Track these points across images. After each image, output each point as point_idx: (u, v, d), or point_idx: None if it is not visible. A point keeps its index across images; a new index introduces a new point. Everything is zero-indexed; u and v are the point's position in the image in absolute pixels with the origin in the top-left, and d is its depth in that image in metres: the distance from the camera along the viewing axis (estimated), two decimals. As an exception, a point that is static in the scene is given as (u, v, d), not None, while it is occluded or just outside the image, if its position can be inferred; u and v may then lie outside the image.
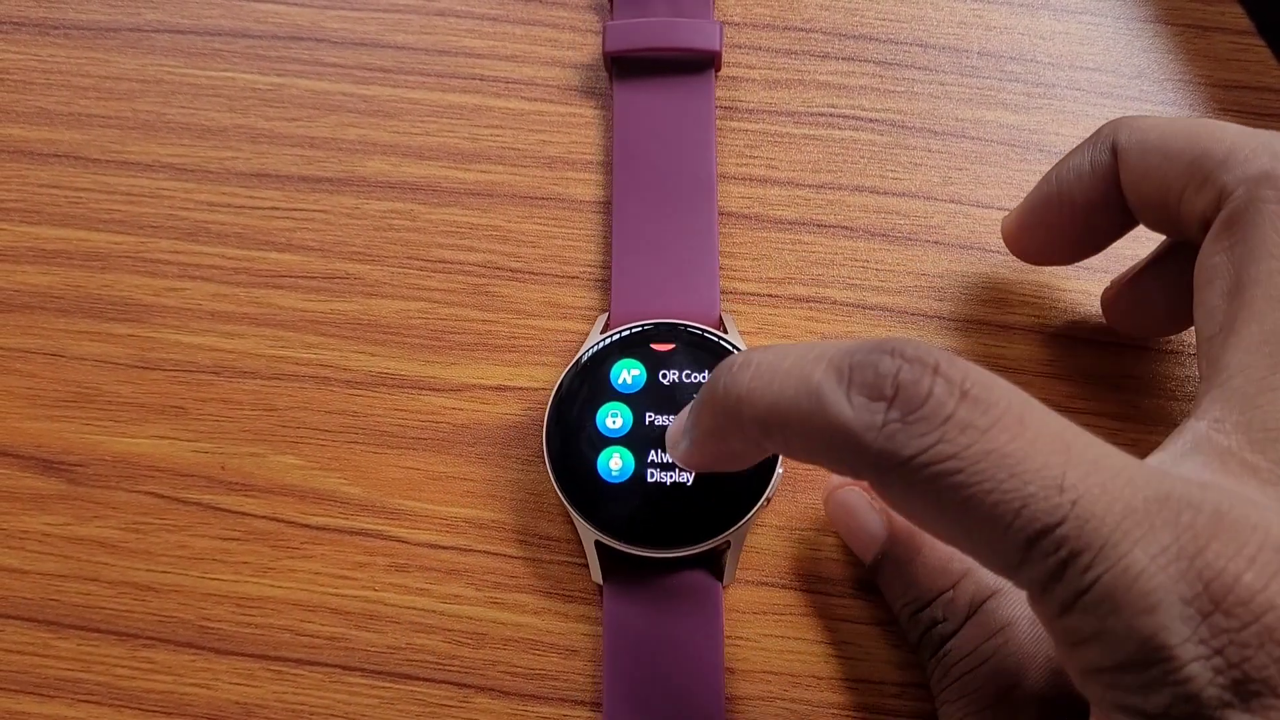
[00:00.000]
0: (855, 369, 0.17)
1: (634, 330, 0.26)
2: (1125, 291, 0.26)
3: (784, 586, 0.26)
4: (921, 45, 0.31)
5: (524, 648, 0.25)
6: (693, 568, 0.25)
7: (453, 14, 0.32)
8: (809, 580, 0.26)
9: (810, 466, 0.27)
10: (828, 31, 0.31)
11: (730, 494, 0.25)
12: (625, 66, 0.30)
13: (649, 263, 0.28)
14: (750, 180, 0.30)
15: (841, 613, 0.25)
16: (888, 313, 0.28)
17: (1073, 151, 0.24)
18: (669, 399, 0.25)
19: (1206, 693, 0.15)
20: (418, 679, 0.25)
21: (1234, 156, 0.21)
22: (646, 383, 0.26)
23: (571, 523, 0.26)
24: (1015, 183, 0.29)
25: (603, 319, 0.27)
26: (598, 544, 0.25)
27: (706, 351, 0.26)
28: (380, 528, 0.26)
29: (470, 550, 0.26)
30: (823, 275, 0.29)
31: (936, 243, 0.29)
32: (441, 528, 0.26)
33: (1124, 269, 0.27)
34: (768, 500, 0.25)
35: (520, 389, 0.28)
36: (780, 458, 0.25)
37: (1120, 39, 0.31)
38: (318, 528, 0.26)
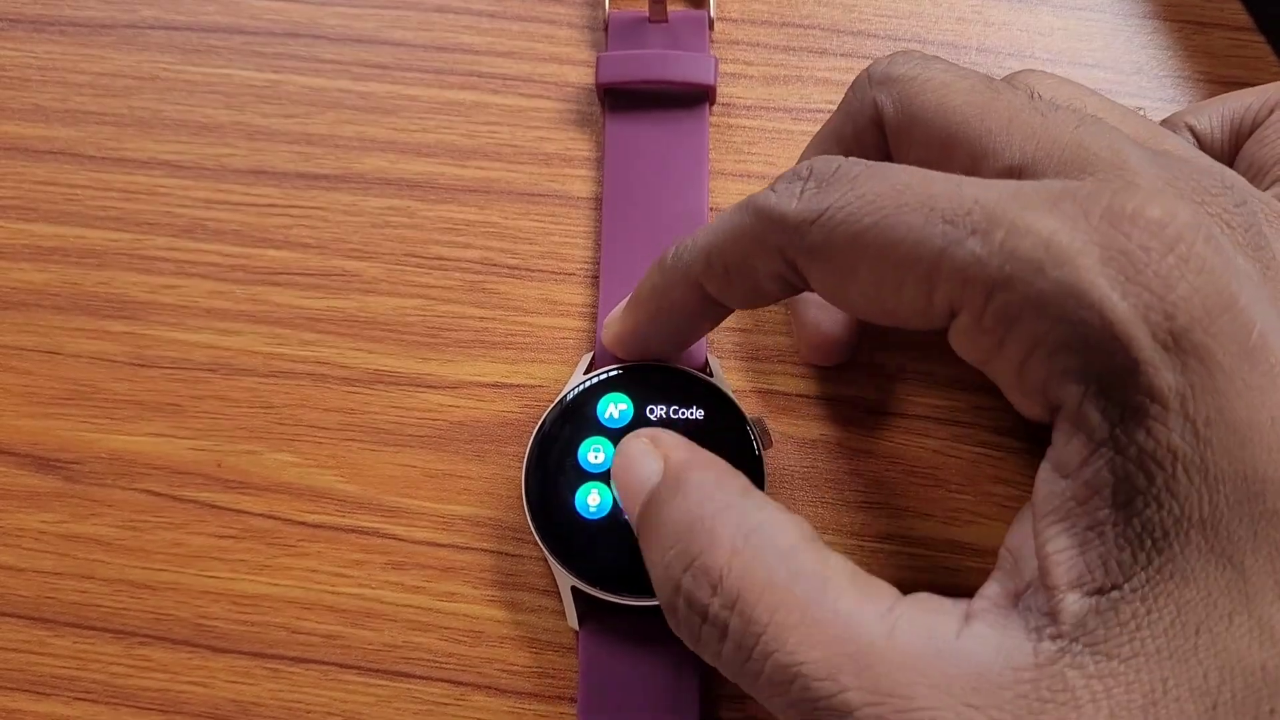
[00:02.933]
0: (779, 179, 0.20)
1: (618, 371, 0.26)
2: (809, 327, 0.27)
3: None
4: (920, 41, 0.31)
5: (521, 645, 0.25)
6: None
7: (450, 10, 0.32)
8: (807, 578, 0.26)
9: (801, 475, 0.26)
10: (826, 28, 0.31)
11: None
12: (618, 98, 0.30)
13: None
14: (748, 177, 0.30)
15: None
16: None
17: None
18: None
19: (1137, 333, 0.16)
20: (414, 677, 0.25)
21: (850, 105, 0.24)
22: (633, 419, 0.25)
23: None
24: (1014, 179, 0.29)
25: (587, 358, 0.27)
26: (574, 589, 0.24)
27: (691, 394, 0.25)
28: (377, 525, 0.26)
29: (467, 548, 0.26)
30: (821, 272, 0.29)
31: (935, 239, 0.29)
32: (438, 525, 0.26)
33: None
34: None
35: (517, 386, 0.28)
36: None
37: (1119, 35, 0.31)
38: (314, 525, 0.26)
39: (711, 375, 0.26)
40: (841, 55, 0.31)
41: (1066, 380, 0.17)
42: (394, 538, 0.26)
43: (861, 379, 0.27)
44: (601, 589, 0.24)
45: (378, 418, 0.27)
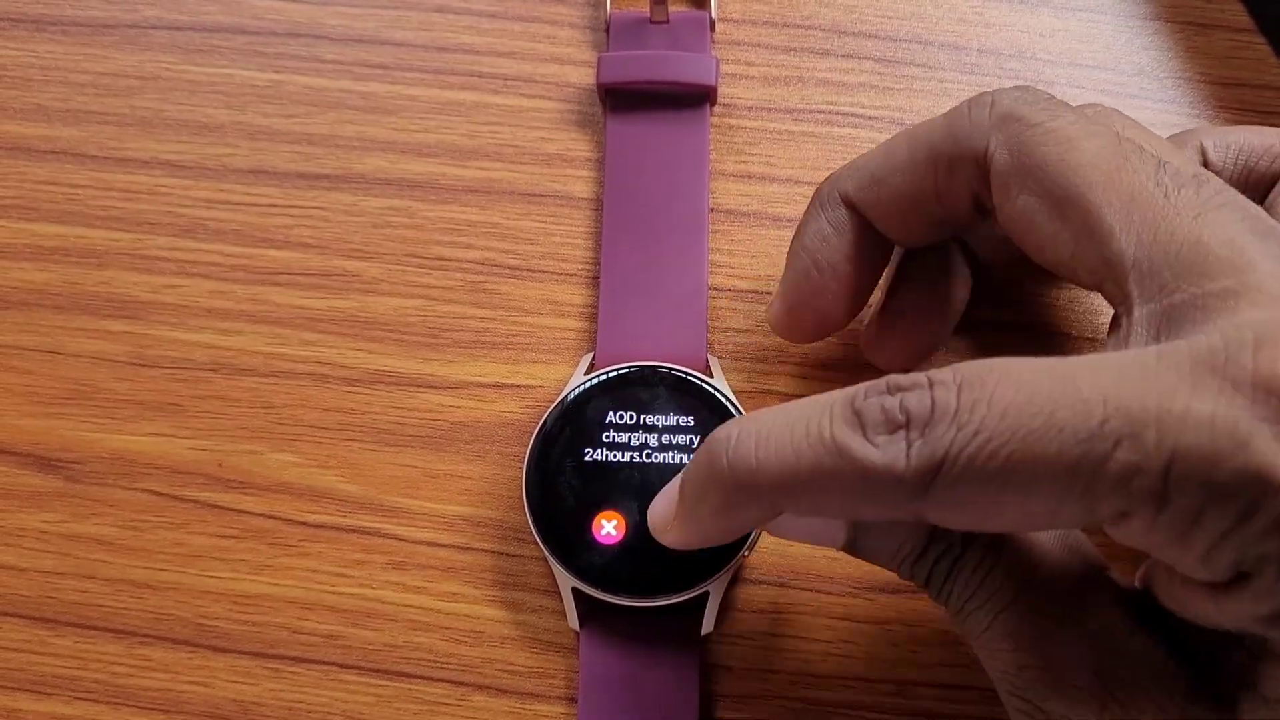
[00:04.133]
0: (864, 414, 0.18)
1: (619, 373, 0.26)
2: (882, 326, 0.26)
3: (784, 586, 0.26)
4: (921, 42, 0.31)
5: (522, 645, 0.25)
6: (671, 616, 0.24)
7: (451, 10, 0.32)
8: (809, 580, 0.26)
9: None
10: (826, 28, 0.31)
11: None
12: (619, 99, 0.30)
13: (636, 304, 0.27)
14: (749, 178, 0.30)
15: (841, 612, 0.25)
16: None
17: (803, 225, 0.25)
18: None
19: None
20: (415, 677, 0.25)
21: (960, 127, 0.21)
22: (633, 421, 0.25)
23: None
24: (1014, 180, 0.29)
25: (587, 359, 0.27)
26: (575, 590, 0.24)
27: (691, 396, 0.25)
28: (378, 525, 0.26)
29: (468, 548, 0.26)
30: (821, 273, 0.29)
31: (935, 240, 0.29)
32: (439, 525, 0.26)
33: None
34: (749, 549, 0.25)
35: (518, 386, 0.28)
36: None
37: (1120, 36, 0.31)
38: (315, 525, 0.26)
39: (712, 376, 0.26)
40: (843, 56, 0.31)
41: (1265, 564, 0.16)
42: (395, 538, 0.26)
43: (862, 379, 0.27)
44: (602, 590, 0.24)
45: (378, 418, 0.27)
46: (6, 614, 0.26)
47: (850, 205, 0.24)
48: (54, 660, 0.25)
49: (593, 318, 0.28)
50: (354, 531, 0.26)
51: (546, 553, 0.24)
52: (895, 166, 0.23)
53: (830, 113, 0.30)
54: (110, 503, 0.27)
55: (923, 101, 0.30)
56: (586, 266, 0.29)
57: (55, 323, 0.28)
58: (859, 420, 0.18)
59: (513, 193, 0.30)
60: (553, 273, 0.29)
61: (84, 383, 0.28)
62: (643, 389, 0.26)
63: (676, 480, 0.21)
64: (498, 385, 0.28)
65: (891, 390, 0.18)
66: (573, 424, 0.25)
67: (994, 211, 0.22)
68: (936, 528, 0.21)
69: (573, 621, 0.25)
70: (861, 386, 0.18)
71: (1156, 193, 0.19)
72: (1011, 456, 0.16)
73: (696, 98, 0.29)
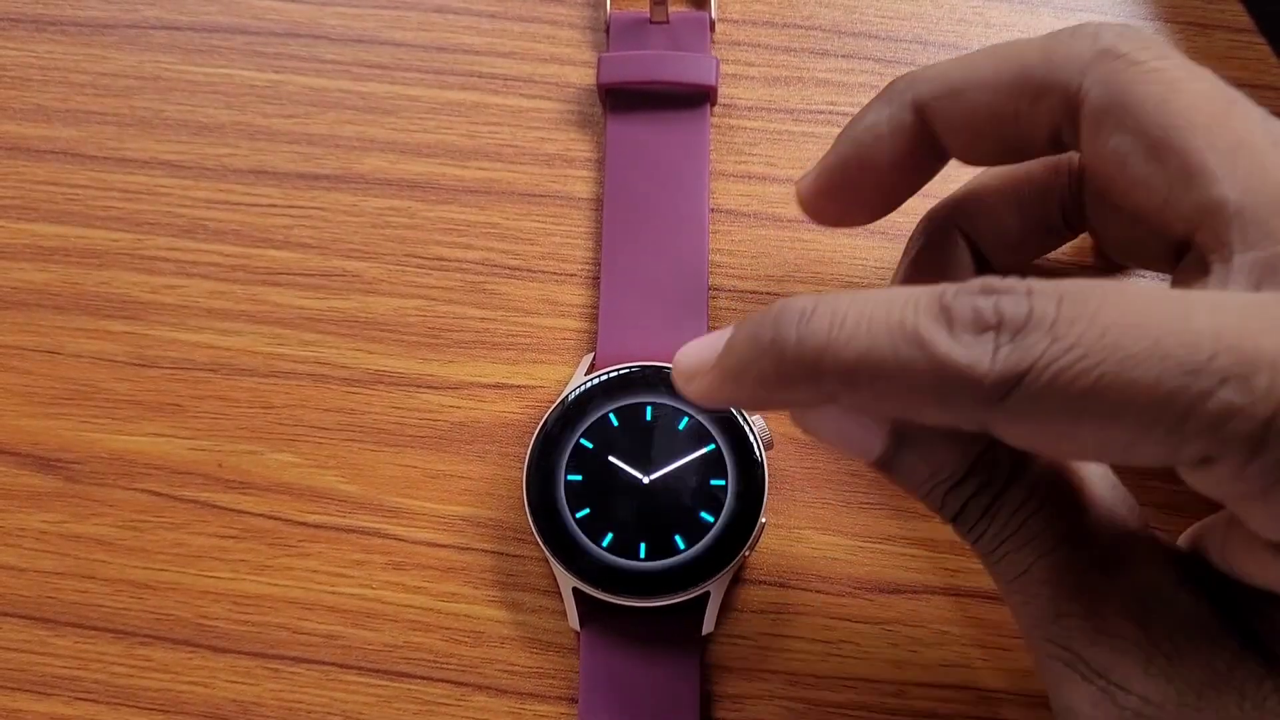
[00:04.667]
0: (952, 309, 0.17)
1: (619, 373, 0.26)
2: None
3: (784, 586, 0.26)
4: (921, 43, 0.31)
5: (521, 646, 0.25)
6: (672, 616, 0.25)
7: (451, 11, 0.32)
8: (809, 580, 0.26)
9: (791, 470, 0.26)
10: (827, 29, 0.31)
11: (712, 544, 0.24)
12: (619, 99, 0.30)
13: (637, 303, 0.27)
14: (749, 178, 0.30)
15: (841, 612, 0.25)
16: (886, 311, 0.28)
17: (864, 111, 0.23)
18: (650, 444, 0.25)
19: None
20: (415, 677, 0.25)
21: (1056, 53, 0.20)
22: (633, 420, 0.25)
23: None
24: (1014, 180, 0.29)
25: (588, 359, 0.27)
26: (575, 590, 0.24)
27: None
28: (377, 526, 0.26)
29: (468, 548, 0.26)
30: (822, 273, 0.29)
31: (935, 240, 0.29)
32: (439, 526, 0.26)
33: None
34: (750, 550, 0.25)
35: (518, 387, 0.28)
36: (764, 508, 0.25)
37: (1120, 36, 0.31)
38: (315, 526, 0.26)
39: None
40: (842, 56, 0.31)
41: None
42: (395, 538, 0.26)
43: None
44: (603, 590, 0.24)
45: (378, 418, 0.27)
46: (6, 614, 0.26)
47: (919, 111, 0.22)
48: (54, 660, 0.25)
49: (592, 318, 0.28)
50: (354, 532, 0.26)
51: (547, 553, 0.24)
52: (979, 81, 0.21)
53: (830, 113, 0.30)
54: (110, 503, 0.27)
55: (923, 101, 0.30)
56: (586, 266, 0.29)
57: (55, 323, 0.28)
58: (946, 316, 0.16)
59: (512, 193, 0.30)
60: (552, 273, 0.29)
61: (83, 383, 0.28)
62: (644, 389, 0.26)
63: (719, 334, 0.20)
64: (497, 385, 0.28)
65: (985, 291, 0.16)
66: (573, 424, 0.25)
67: (1078, 146, 0.21)
68: (981, 457, 0.20)
69: (573, 621, 0.24)
70: (952, 285, 0.17)
71: (1265, 140, 0.18)
72: (1103, 379, 0.15)
73: (697, 98, 0.29)
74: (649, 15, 0.31)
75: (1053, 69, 0.20)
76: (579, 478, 0.25)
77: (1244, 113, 0.19)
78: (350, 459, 0.27)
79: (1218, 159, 0.18)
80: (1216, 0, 0.31)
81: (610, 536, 0.24)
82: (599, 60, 0.30)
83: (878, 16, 0.32)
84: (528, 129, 0.30)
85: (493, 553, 0.26)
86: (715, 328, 0.28)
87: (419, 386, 0.28)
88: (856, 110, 0.30)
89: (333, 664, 0.25)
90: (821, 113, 0.30)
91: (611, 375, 0.26)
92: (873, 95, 0.30)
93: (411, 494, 0.27)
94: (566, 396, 0.26)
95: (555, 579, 0.25)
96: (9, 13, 0.32)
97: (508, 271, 0.29)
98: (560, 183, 0.30)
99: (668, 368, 0.26)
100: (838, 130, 0.30)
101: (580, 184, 0.30)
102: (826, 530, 0.26)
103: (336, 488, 0.27)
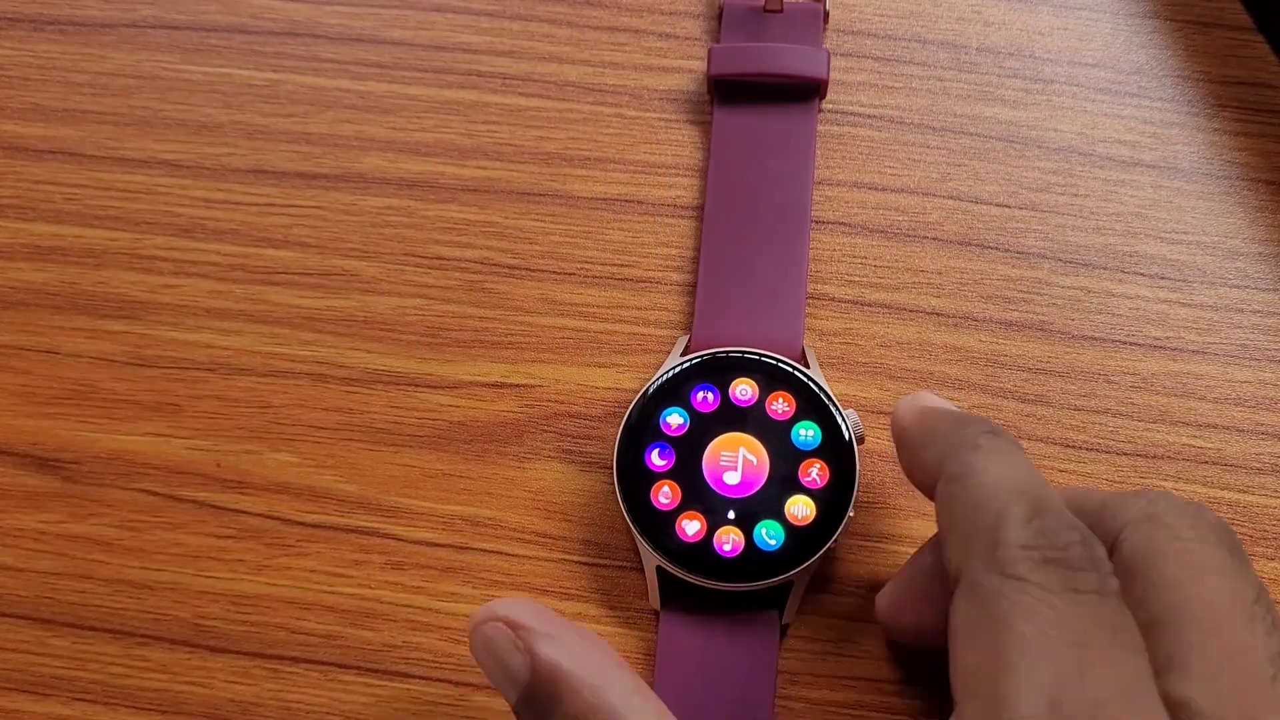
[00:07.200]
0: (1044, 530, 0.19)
1: (714, 356, 0.26)
2: (903, 595, 0.24)
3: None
4: (920, 41, 0.31)
5: (521, 645, 0.25)
6: (753, 602, 0.24)
7: (450, 10, 0.32)
8: (812, 580, 0.26)
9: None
10: (826, 28, 0.31)
11: (799, 533, 0.24)
12: (727, 90, 0.30)
13: (735, 288, 0.27)
14: (748, 177, 0.30)
15: (842, 612, 0.25)
16: (885, 309, 0.28)
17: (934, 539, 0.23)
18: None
19: None
20: (414, 677, 0.25)
21: (1110, 506, 0.21)
22: (721, 406, 0.25)
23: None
24: (1013, 179, 0.29)
25: (683, 341, 0.27)
26: (659, 570, 0.24)
27: (785, 385, 0.25)
28: (376, 525, 0.26)
29: (466, 548, 0.26)
30: (820, 272, 0.29)
31: (934, 239, 0.29)
32: (437, 525, 0.26)
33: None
34: (836, 542, 0.24)
35: (517, 386, 0.27)
36: (853, 501, 0.24)
37: (1119, 35, 0.31)
38: (313, 525, 0.26)
39: (808, 367, 0.26)
40: (841, 55, 0.31)
41: None
42: (393, 538, 0.26)
43: (863, 379, 0.27)
44: (690, 572, 0.24)
45: (377, 417, 0.27)
46: (4, 614, 0.26)
47: None
48: (51, 660, 0.25)
49: (593, 316, 0.28)
50: (352, 531, 0.26)
51: (634, 530, 0.25)
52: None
53: (829, 111, 0.30)
54: (108, 503, 0.27)
55: (922, 100, 0.30)
56: (585, 266, 0.29)
57: (53, 323, 0.28)
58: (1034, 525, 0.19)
59: (511, 192, 0.30)
60: (552, 272, 0.29)
61: (82, 382, 0.28)
62: (739, 373, 0.26)
63: (938, 406, 0.23)
64: (496, 385, 0.28)
65: (1081, 539, 0.19)
66: (665, 404, 0.25)
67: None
68: None
69: (654, 601, 0.25)
70: (1065, 516, 0.19)
71: (1265, 672, 0.18)
72: None
73: (806, 90, 0.30)
74: (762, 4, 0.30)
75: (1104, 517, 0.21)
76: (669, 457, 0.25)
77: (1247, 630, 0.18)
78: (349, 458, 0.27)
79: (1210, 680, 0.18)
80: (1216, -1, 0.31)
81: (698, 518, 0.24)
82: (709, 51, 0.30)
83: (876, 15, 0.32)
84: (527, 128, 0.30)
85: (492, 552, 0.26)
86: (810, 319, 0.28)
87: (418, 386, 0.28)
88: (856, 109, 0.30)
89: (331, 664, 0.25)
90: (821, 111, 0.30)
91: (704, 358, 0.26)
92: (872, 93, 0.30)
93: (410, 493, 0.27)
94: (662, 375, 0.26)
95: (640, 556, 0.25)
96: (7, 12, 0.32)
97: (506, 271, 0.29)
98: (559, 181, 0.30)
99: (762, 355, 0.26)
100: (836, 129, 0.30)
101: (580, 183, 0.30)
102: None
103: (335, 487, 0.27)
